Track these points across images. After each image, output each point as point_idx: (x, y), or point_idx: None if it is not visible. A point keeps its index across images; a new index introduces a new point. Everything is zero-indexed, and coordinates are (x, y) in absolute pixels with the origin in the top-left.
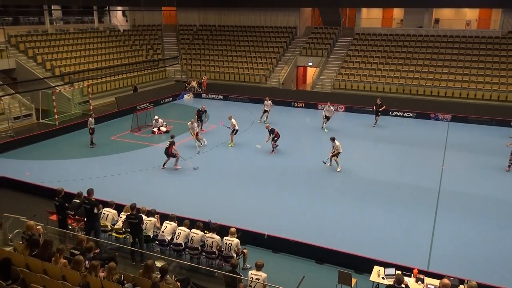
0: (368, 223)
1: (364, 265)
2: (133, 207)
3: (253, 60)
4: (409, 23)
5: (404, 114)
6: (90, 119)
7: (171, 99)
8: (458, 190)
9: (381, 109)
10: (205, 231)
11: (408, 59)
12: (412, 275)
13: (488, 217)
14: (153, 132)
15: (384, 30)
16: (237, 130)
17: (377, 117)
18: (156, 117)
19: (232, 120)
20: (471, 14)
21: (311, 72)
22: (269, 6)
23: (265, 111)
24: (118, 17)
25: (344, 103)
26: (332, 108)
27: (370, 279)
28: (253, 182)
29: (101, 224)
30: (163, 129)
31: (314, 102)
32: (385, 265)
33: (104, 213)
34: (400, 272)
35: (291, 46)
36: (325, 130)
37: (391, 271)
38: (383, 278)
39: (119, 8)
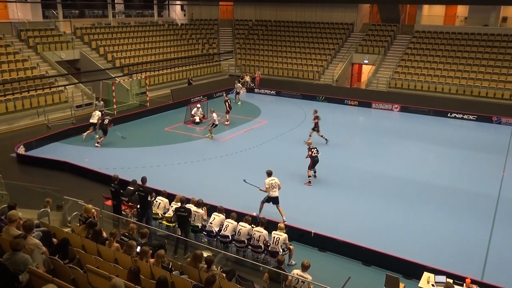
0: (420, 227)
1: (413, 270)
2: (183, 200)
3: (307, 56)
4: (473, 21)
5: (464, 117)
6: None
7: (224, 93)
8: None
9: None
10: (252, 225)
11: (470, 59)
12: (465, 284)
13: None
14: (195, 121)
15: (446, 28)
16: (216, 125)
17: None
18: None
19: (214, 114)
20: None
21: (367, 69)
22: (327, 1)
23: (237, 92)
24: (176, 11)
25: (400, 102)
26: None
27: (419, 285)
28: (299, 178)
29: (153, 211)
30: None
31: (368, 100)
32: (436, 272)
33: (156, 201)
34: (451, 280)
35: (347, 42)
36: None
37: (442, 278)
38: (433, 285)
39: (178, 2)
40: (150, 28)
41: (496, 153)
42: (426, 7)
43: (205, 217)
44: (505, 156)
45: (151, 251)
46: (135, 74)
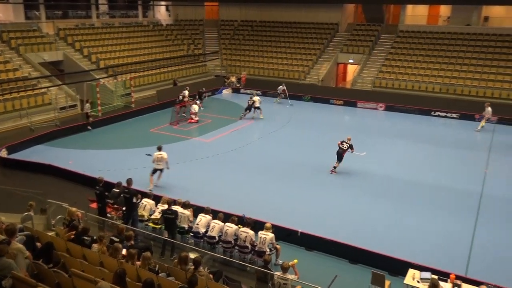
0: (405, 225)
1: (399, 267)
2: (169, 202)
3: (293, 56)
4: (456, 21)
5: (447, 115)
6: (87, 104)
7: (210, 93)
8: (501, 195)
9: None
10: (239, 226)
11: (453, 58)
12: (449, 280)
13: None
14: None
15: (429, 28)
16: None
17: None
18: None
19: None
20: None
21: (352, 69)
22: (311, 2)
23: (257, 107)
24: (161, 12)
25: (385, 101)
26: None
27: (405, 282)
28: (289, 178)
29: (139, 213)
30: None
31: (354, 100)
32: (421, 268)
33: (142, 203)
34: (436, 277)
35: (332, 42)
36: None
37: (427, 275)
38: (418, 281)
39: (162, 2)
40: (135, 29)
41: (479, 150)
42: (409, 7)
43: (191, 218)
44: (487, 153)
45: (137, 253)
46: (119, 75)
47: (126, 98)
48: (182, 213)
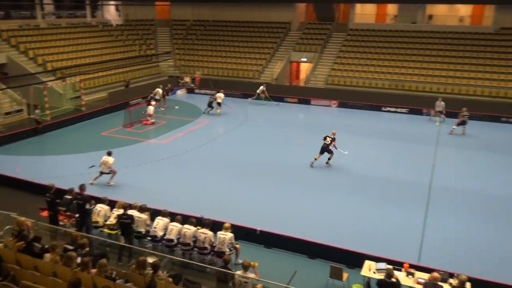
0: (359, 218)
1: (355, 260)
2: (125, 206)
3: (246, 55)
4: (403, 19)
5: (397, 110)
6: (37, 111)
7: (162, 87)
8: (449, 186)
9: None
10: (198, 227)
11: (401, 55)
12: (403, 269)
13: (479, 212)
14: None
15: (377, 26)
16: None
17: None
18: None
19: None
20: (464, 10)
21: (305, 67)
22: (263, 1)
23: (218, 103)
24: (111, 12)
25: (338, 98)
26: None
27: (361, 273)
28: (246, 177)
29: (93, 220)
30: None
31: (308, 97)
32: (376, 259)
33: (96, 209)
34: (391, 267)
35: (285, 41)
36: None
37: (382, 265)
38: (374, 272)
39: (112, 2)
40: (83, 30)
41: (427, 143)
42: (358, 6)
43: (148, 222)
44: (435, 146)
45: (92, 261)
46: (68, 78)
47: (76, 101)
48: (138, 217)
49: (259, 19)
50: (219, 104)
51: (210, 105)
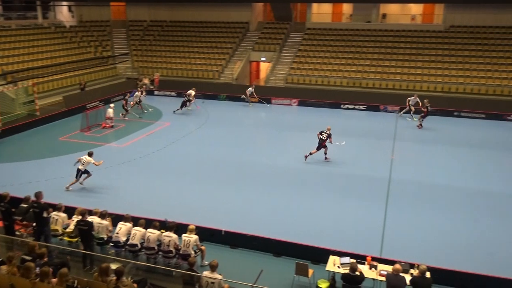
0: (322, 214)
1: (320, 256)
2: (83, 213)
3: (206, 56)
4: (358, 18)
5: (355, 107)
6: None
7: (122, 96)
8: (407, 179)
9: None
10: (162, 230)
11: (358, 53)
12: (366, 262)
13: (437, 203)
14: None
15: (334, 25)
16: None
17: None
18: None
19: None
20: (416, 9)
21: (264, 67)
22: (221, 1)
23: (189, 100)
24: (63, 13)
25: (297, 97)
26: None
27: (326, 268)
28: (208, 178)
29: (52, 228)
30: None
31: (268, 96)
32: (341, 254)
33: (53, 217)
34: (354, 260)
35: (243, 41)
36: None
37: (346, 260)
38: (338, 267)
39: (64, 3)
40: (35, 31)
41: (385, 138)
42: (315, 5)
43: (110, 228)
44: (392, 141)
45: (52, 270)
46: (20, 82)
47: (30, 106)
48: (99, 223)
49: (217, 19)
50: (189, 101)
51: (184, 104)
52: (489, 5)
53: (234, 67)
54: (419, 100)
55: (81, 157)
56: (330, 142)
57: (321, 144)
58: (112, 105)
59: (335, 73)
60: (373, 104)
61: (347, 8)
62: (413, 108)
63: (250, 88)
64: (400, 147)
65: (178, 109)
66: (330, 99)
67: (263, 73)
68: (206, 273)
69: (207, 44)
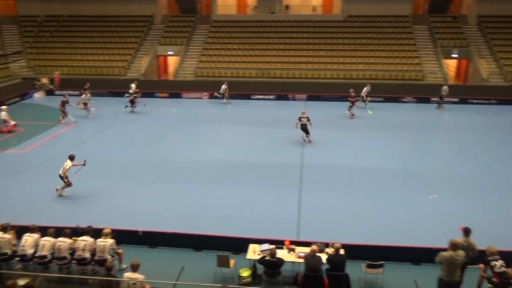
0: (239, 205)
1: (240, 245)
2: None
3: (109, 51)
4: (262, 10)
5: (265, 97)
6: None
7: (18, 99)
8: (318, 163)
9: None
10: (74, 238)
11: (264, 44)
12: (284, 246)
13: (345, 184)
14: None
15: (240, 17)
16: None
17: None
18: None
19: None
20: (316, 0)
21: (173, 61)
22: None
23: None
24: None
25: (208, 90)
26: None
27: (247, 257)
28: (118, 178)
29: None
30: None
31: (178, 91)
32: (260, 241)
33: None
34: (274, 246)
35: (149, 35)
36: None
37: (266, 246)
38: (258, 254)
39: None
40: None
41: (293, 126)
42: None
43: (14, 242)
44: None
45: None
46: None
47: None
48: (1, 237)
49: (119, 13)
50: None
51: (132, 102)
52: None
53: (141, 62)
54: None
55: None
56: (310, 124)
57: (306, 128)
58: (4, 107)
59: (244, 64)
60: (282, 93)
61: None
62: (367, 98)
63: (223, 86)
64: (311, 133)
65: (128, 106)
66: (241, 90)
67: (171, 67)
68: (127, 274)
69: (110, 40)
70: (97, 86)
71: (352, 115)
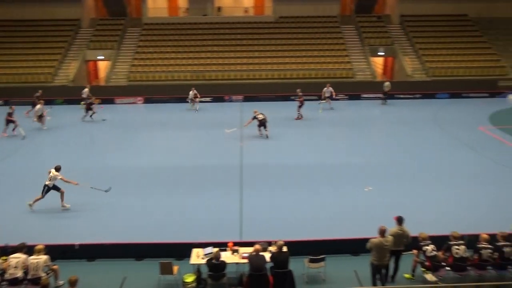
0: (179, 210)
1: (183, 251)
2: None
3: (34, 57)
4: (194, 12)
5: (202, 99)
6: None
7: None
8: (257, 163)
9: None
10: (3, 257)
11: (198, 46)
12: (228, 248)
13: (284, 182)
14: None
15: (171, 19)
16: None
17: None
18: None
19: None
20: (247, 1)
21: (103, 65)
22: None
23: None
24: None
25: (142, 94)
26: None
27: (191, 262)
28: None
29: None
30: None
31: (111, 97)
32: (203, 245)
33: None
34: (217, 249)
35: (76, 40)
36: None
37: (209, 249)
38: (202, 258)
39: None
40: None
41: (232, 127)
42: (150, 0)
43: None
44: (239, 129)
45: None
46: None
47: None
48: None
49: (43, 16)
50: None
51: (89, 108)
52: None
53: (69, 68)
54: (331, 90)
55: (50, 169)
56: (265, 120)
57: (264, 123)
58: None
59: (178, 67)
60: (218, 95)
61: (182, 1)
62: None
63: (191, 92)
64: (248, 134)
65: (86, 116)
66: (176, 94)
67: (102, 72)
68: None
69: (33, 45)
70: (21, 95)
71: (301, 116)
